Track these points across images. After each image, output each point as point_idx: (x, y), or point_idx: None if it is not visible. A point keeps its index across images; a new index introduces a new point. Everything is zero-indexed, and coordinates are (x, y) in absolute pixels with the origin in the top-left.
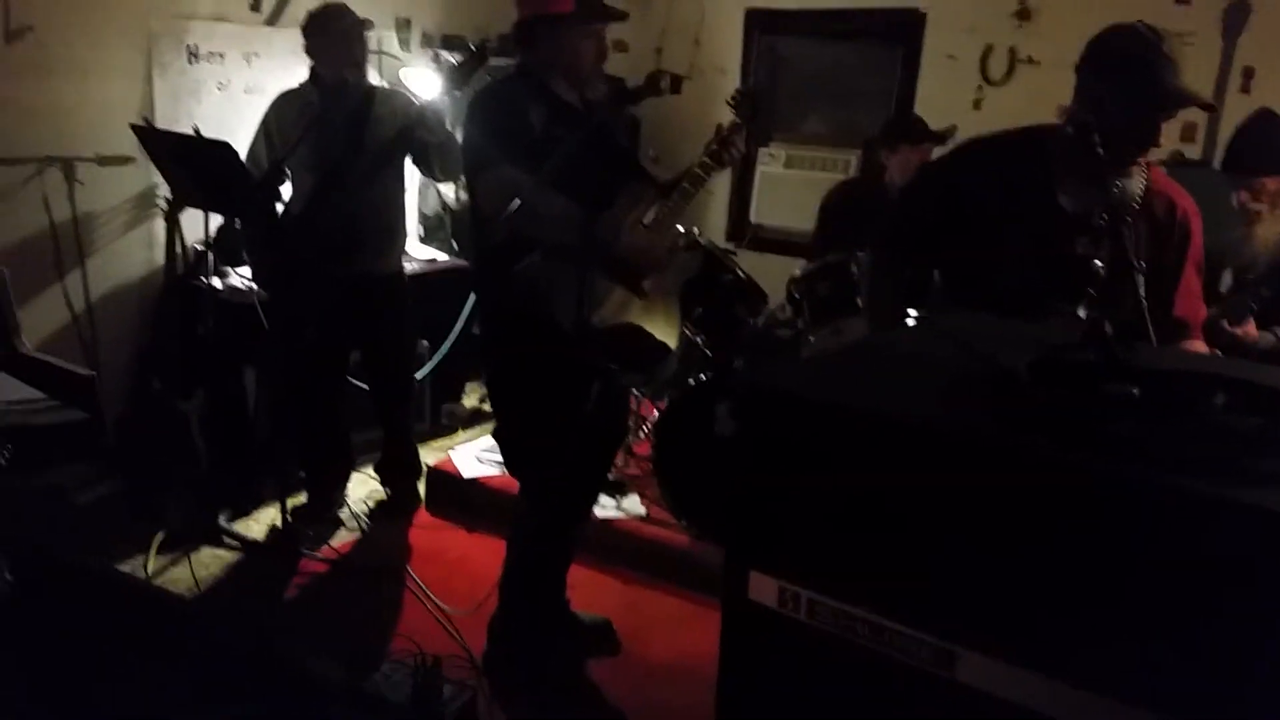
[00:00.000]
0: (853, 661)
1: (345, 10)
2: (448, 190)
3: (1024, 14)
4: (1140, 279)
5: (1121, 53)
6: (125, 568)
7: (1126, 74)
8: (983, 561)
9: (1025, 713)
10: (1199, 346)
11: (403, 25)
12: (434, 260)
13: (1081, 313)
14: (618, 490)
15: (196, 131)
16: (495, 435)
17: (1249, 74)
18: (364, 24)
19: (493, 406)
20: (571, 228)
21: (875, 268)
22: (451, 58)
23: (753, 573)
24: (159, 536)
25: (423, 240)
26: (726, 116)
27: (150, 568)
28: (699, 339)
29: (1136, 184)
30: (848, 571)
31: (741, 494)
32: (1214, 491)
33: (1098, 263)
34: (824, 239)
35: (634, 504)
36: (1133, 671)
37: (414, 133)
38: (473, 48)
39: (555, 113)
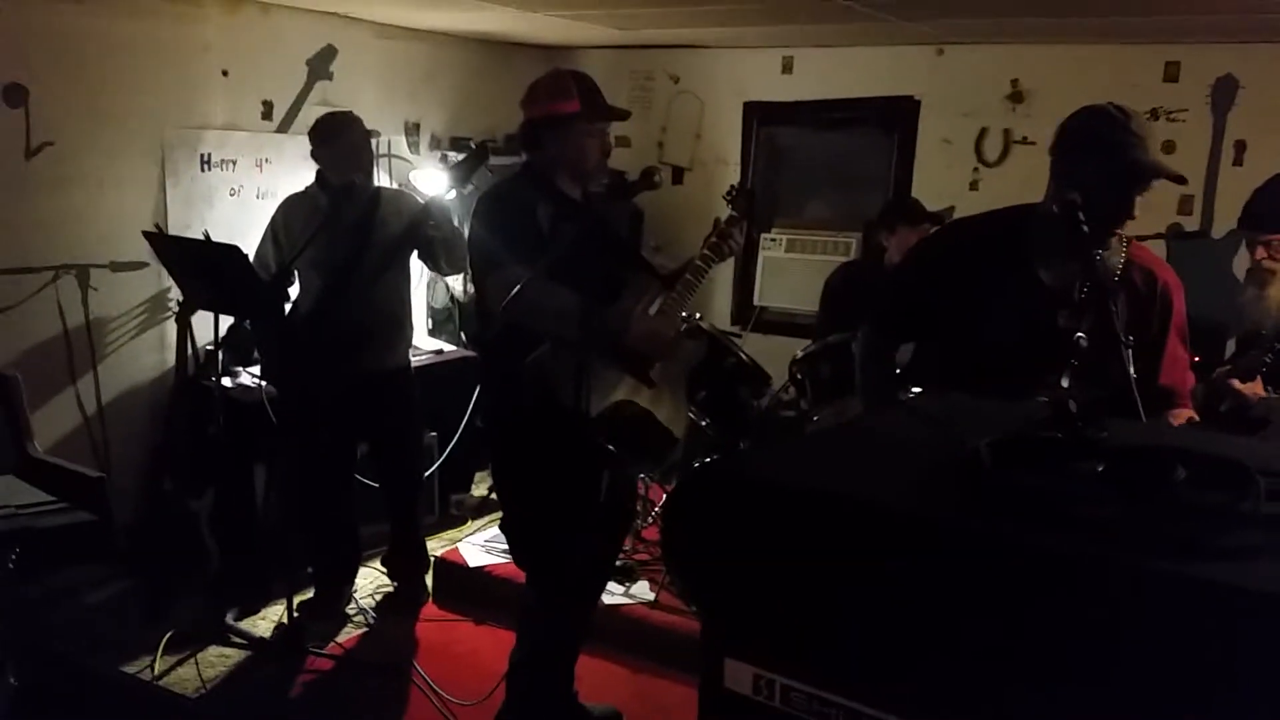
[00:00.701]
0: None
1: (352, 119)
2: (455, 283)
3: (1017, 96)
4: (1128, 352)
5: (1091, 132)
6: (132, 668)
7: (1097, 152)
8: (952, 644)
9: None
10: (1186, 414)
11: (411, 129)
12: (441, 351)
13: (1065, 384)
14: (626, 576)
15: (206, 236)
16: (502, 527)
17: (1241, 147)
18: (370, 133)
19: (500, 497)
20: (581, 322)
21: (867, 348)
22: (456, 158)
23: (728, 660)
24: (166, 636)
25: (431, 333)
26: (725, 210)
27: (157, 668)
28: (704, 422)
29: (1115, 257)
30: (820, 656)
31: (714, 580)
32: (1174, 570)
33: (1080, 335)
34: (828, 319)
35: (643, 590)
36: None
37: (420, 228)
38: (473, 146)
39: (561, 209)
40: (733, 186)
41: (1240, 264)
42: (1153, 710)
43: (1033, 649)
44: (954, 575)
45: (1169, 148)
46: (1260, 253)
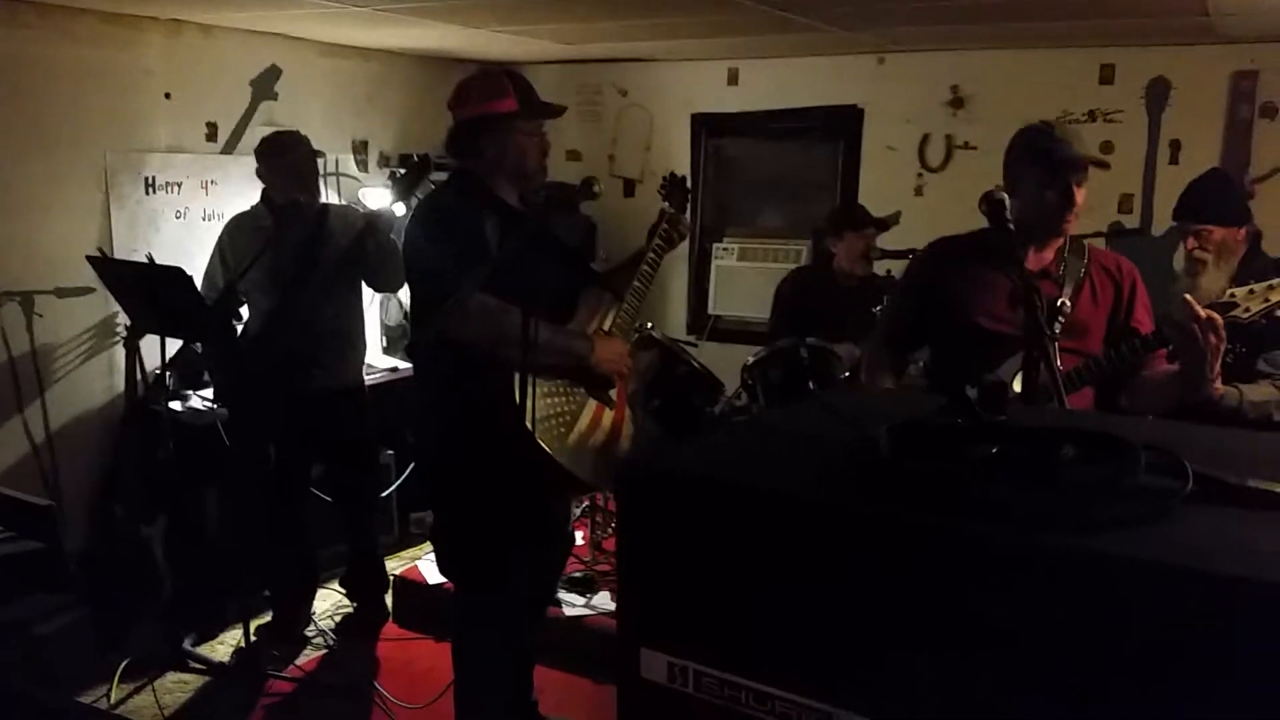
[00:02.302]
0: None
1: (297, 138)
2: (408, 300)
3: (957, 103)
4: (1054, 346)
5: (1026, 142)
6: (88, 698)
7: (1033, 158)
8: (853, 625)
9: None
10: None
11: (359, 147)
12: (396, 369)
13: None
14: (587, 587)
15: (150, 259)
16: (434, 536)
17: (1176, 146)
18: (316, 153)
19: (440, 511)
20: (545, 347)
21: (872, 360)
22: (401, 173)
23: (643, 649)
24: (122, 665)
25: (385, 350)
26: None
27: (113, 697)
28: (657, 431)
29: (1079, 253)
30: (731, 642)
31: (628, 572)
32: (1056, 542)
33: (1064, 300)
34: (779, 324)
35: (604, 600)
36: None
37: (361, 242)
38: (415, 158)
39: (506, 221)
40: (664, 179)
41: (1179, 260)
42: (1042, 677)
43: (928, 625)
44: (851, 558)
45: (1107, 148)
46: (1191, 243)
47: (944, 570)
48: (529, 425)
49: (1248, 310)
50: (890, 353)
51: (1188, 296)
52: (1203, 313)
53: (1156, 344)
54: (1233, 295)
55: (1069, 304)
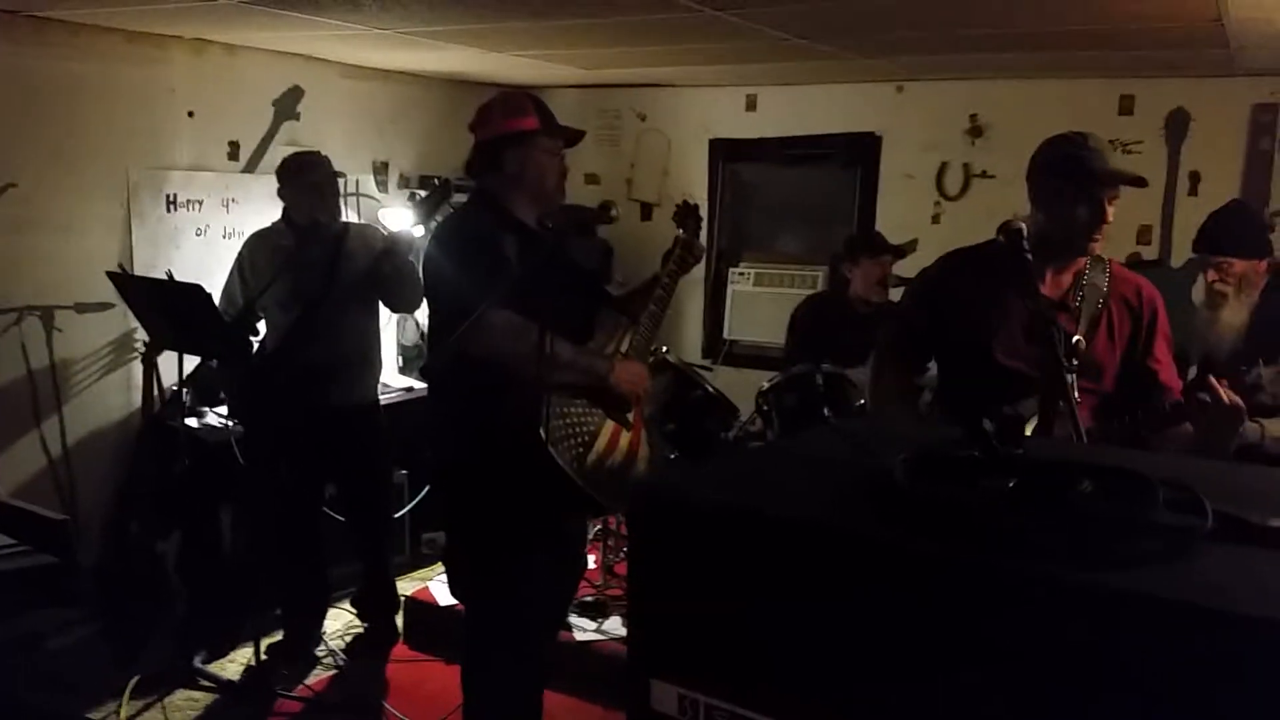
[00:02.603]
0: None
1: (318, 159)
2: (425, 320)
3: (976, 131)
4: (1070, 378)
5: (1056, 153)
6: (98, 714)
7: (1064, 169)
8: (871, 657)
9: None
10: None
11: (380, 168)
12: (411, 389)
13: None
14: (599, 612)
15: (170, 276)
16: (448, 558)
17: (1195, 178)
18: (337, 174)
19: (452, 529)
20: (566, 367)
21: (878, 378)
22: (421, 195)
23: (653, 680)
24: (133, 681)
25: (401, 370)
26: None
27: (123, 713)
28: (672, 455)
29: (1101, 277)
30: (743, 675)
31: (638, 601)
32: (1070, 576)
33: (1079, 338)
34: (794, 350)
35: (615, 625)
36: None
37: (381, 263)
38: (436, 182)
39: (524, 241)
40: (677, 206)
41: (1198, 293)
42: (1056, 713)
43: (944, 658)
44: (867, 588)
45: None
46: (1212, 275)
47: (960, 602)
48: (546, 445)
49: (1275, 397)
50: (897, 372)
51: (1213, 381)
52: (1227, 397)
53: (1175, 419)
54: (1260, 377)
55: (1084, 341)
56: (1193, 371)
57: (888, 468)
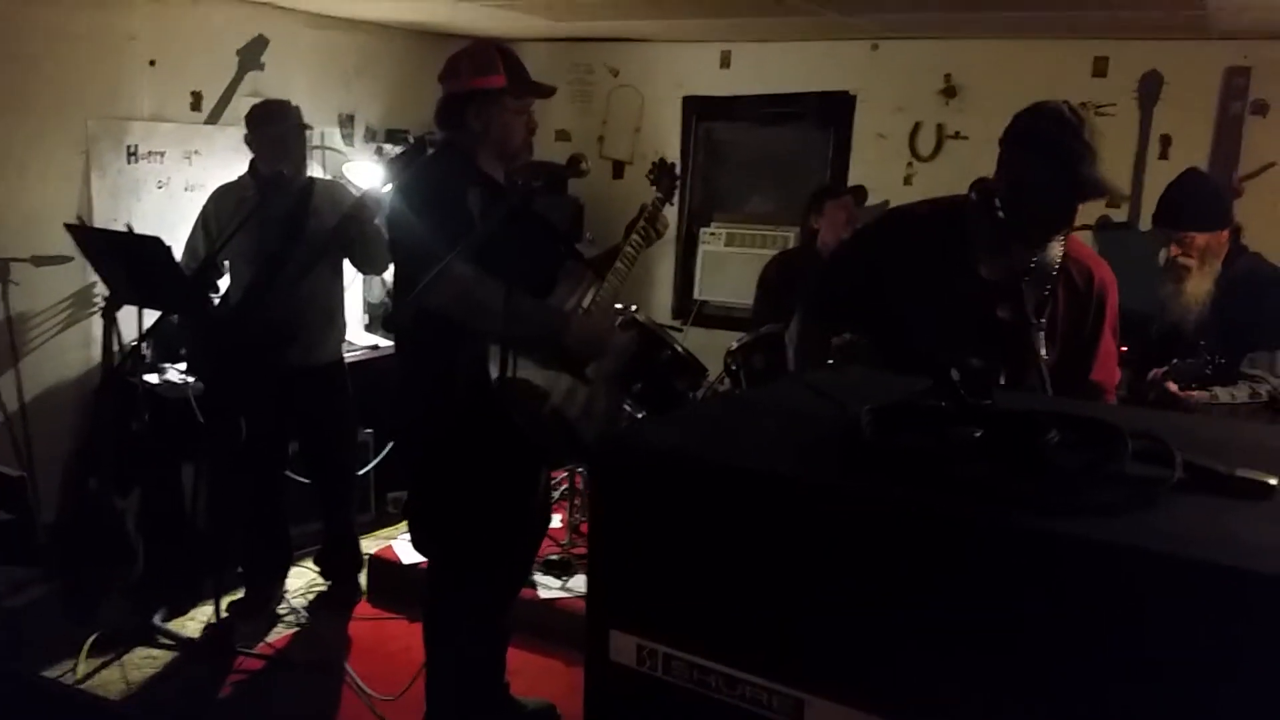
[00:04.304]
0: (709, 714)
1: (287, 109)
2: (390, 278)
3: (950, 91)
4: (1040, 336)
5: (1044, 137)
6: (54, 672)
7: (1046, 159)
8: (829, 606)
9: None
10: None
11: (346, 121)
12: (376, 347)
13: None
14: (563, 570)
15: (129, 229)
16: (409, 513)
17: (1167, 141)
18: (304, 125)
19: (416, 486)
20: (507, 318)
21: (802, 335)
22: (393, 151)
23: (613, 631)
24: (91, 639)
25: (367, 328)
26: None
27: (80, 671)
28: (640, 415)
29: (1054, 252)
30: (701, 625)
31: (599, 551)
32: (1036, 524)
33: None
34: (763, 309)
35: (579, 584)
36: (973, 708)
37: (349, 222)
38: (410, 140)
39: (488, 195)
40: (654, 164)
41: (1164, 261)
42: (1019, 661)
43: (904, 608)
44: (828, 539)
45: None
46: (1175, 249)
47: (923, 552)
48: (503, 398)
49: (1231, 398)
50: (820, 323)
51: (1171, 387)
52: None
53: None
54: (1215, 397)
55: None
56: (1155, 332)
57: (854, 418)
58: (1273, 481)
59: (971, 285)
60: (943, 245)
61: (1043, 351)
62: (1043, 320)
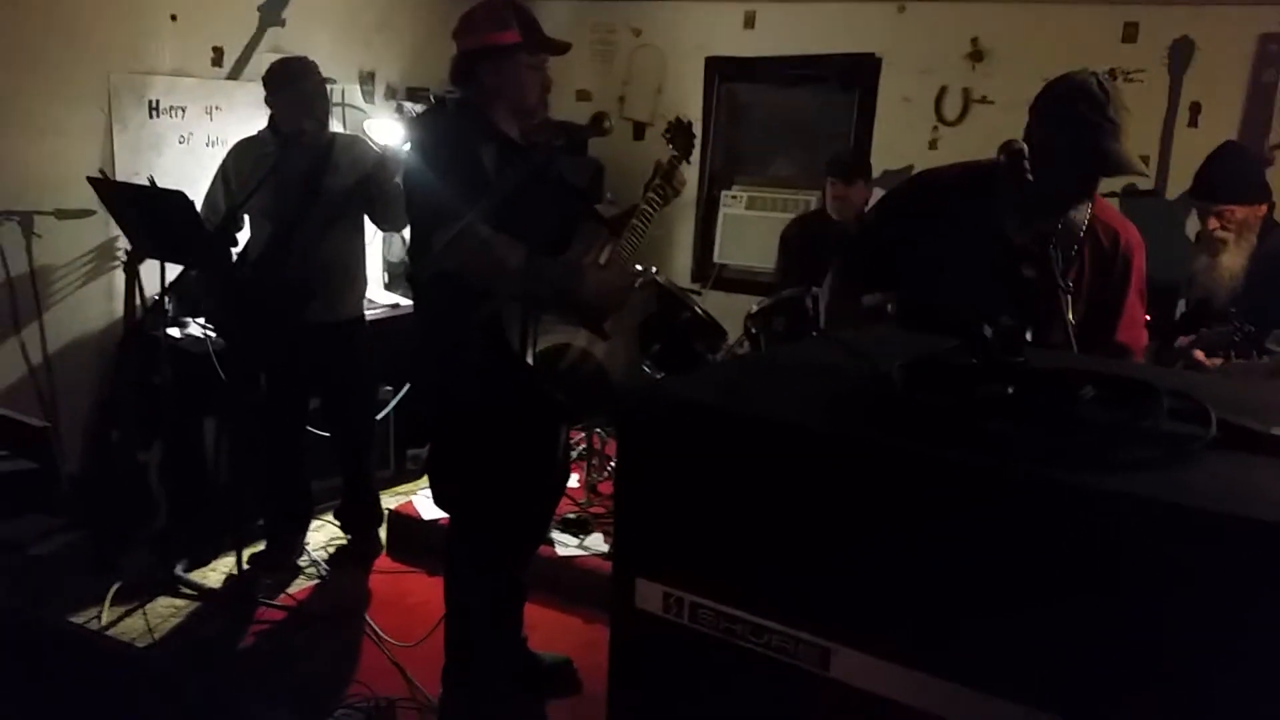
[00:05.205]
0: (734, 662)
1: (308, 66)
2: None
3: (977, 55)
4: (1067, 299)
5: (1070, 108)
6: (79, 619)
7: (1071, 131)
8: (856, 558)
9: (896, 707)
10: None
11: (366, 78)
12: (397, 305)
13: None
14: (580, 529)
15: (151, 182)
16: (430, 469)
17: (1196, 109)
18: (325, 81)
19: (436, 442)
20: (524, 274)
21: (834, 295)
22: (414, 109)
23: (639, 579)
24: (114, 588)
25: (387, 286)
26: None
27: (104, 618)
28: (659, 376)
29: (1081, 214)
30: (727, 574)
31: (626, 501)
32: (1069, 480)
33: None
34: (785, 271)
35: (597, 542)
36: (997, 660)
37: (369, 180)
38: (432, 99)
39: (504, 152)
40: (670, 123)
41: (1192, 226)
42: (1050, 616)
43: (933, 561)
44: (857, 492)
45: None
46: (1213, 223)
47: (953, 506)
48: (521, 353)
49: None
50: (850, 285)
51: (1198, 355)
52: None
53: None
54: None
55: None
56: (1181, 306)
57: (884, 374)
58: None
59: (999, 247)
60: (971, 207)
61: (1069, 314)
62: (1070, 282)
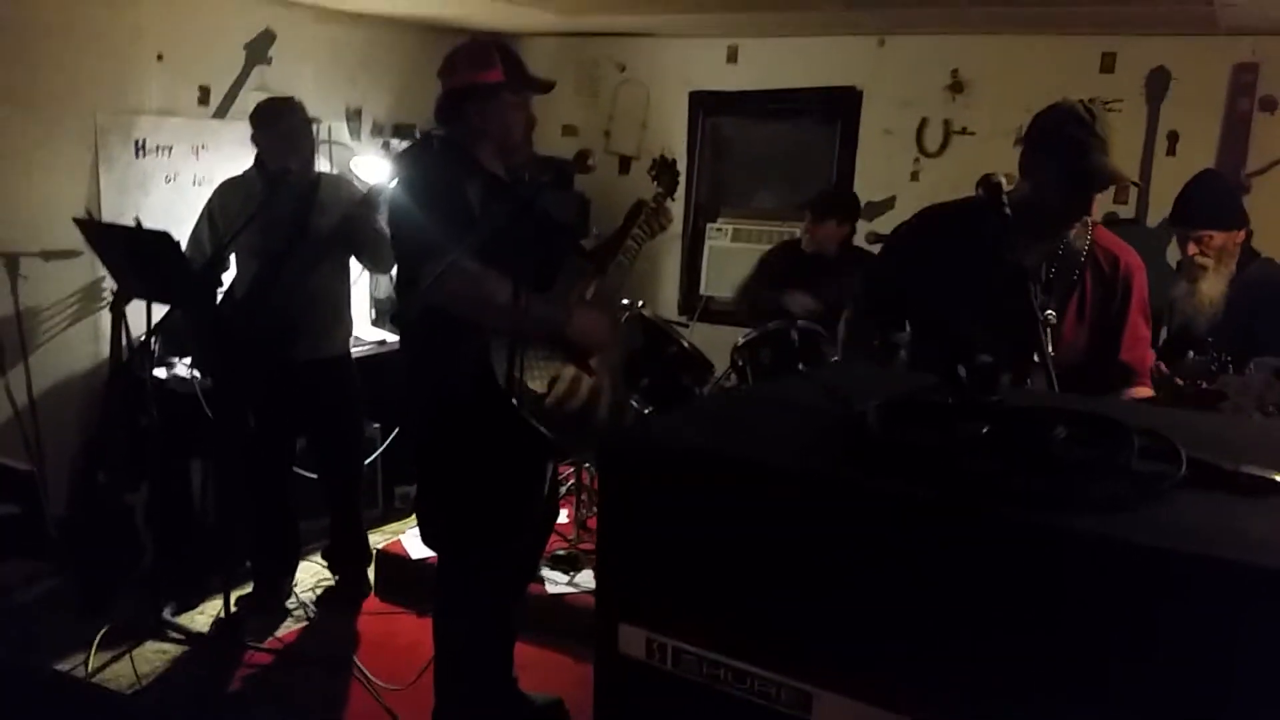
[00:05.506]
0: (719, 707)
1: (293, 105)
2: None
3: (957, 87)
4: (1046, 331)
5: (1057, 132)
6: (65, 665)
7: (1061, 153)
8: (838, 599)
9: None
10: (1144, 391)
11: (353, 115)
12: (384, 342)
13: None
14: (570, 565)
15: (138, 223)
16: (419, 507)
17: (1174, 138)
18: (310, 120)
19: (423, 479)
20: (512, 312)
21: (850, 333)
22: (400, 146)
23: (622, 625)
24: (101, 632)
25: (374, 323)
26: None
27: (91, 665)
28: (647, 410)
29: (1081, 241)
30: (709, 619)
31: (608, 544)
32: (1040, 519)
33: (1050, 312)
34: (749, 289)
35: (587, 578)
36: (978, 700)
37: (354, 219)
38: (418, 135)
39: (489, 188)
40: (655, 160)
41: (1173, 254)
42: (1028, 656)
43: (913, 603)
44: (837, 534)
45: None
46: (1192, 248)
47: (931, 547)
48: (506, 390)
49: (1238, 406)
50: (867, 329)
51: (1179, 382)
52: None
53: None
54: (1227, 385)
55: (1054, 316)
56: (1163, 334)
57: (861, 413)
58: (1278, 478)
59: (986, 278)
60: (973, 237)
61: (1049, 347)
62: (1050, 314)
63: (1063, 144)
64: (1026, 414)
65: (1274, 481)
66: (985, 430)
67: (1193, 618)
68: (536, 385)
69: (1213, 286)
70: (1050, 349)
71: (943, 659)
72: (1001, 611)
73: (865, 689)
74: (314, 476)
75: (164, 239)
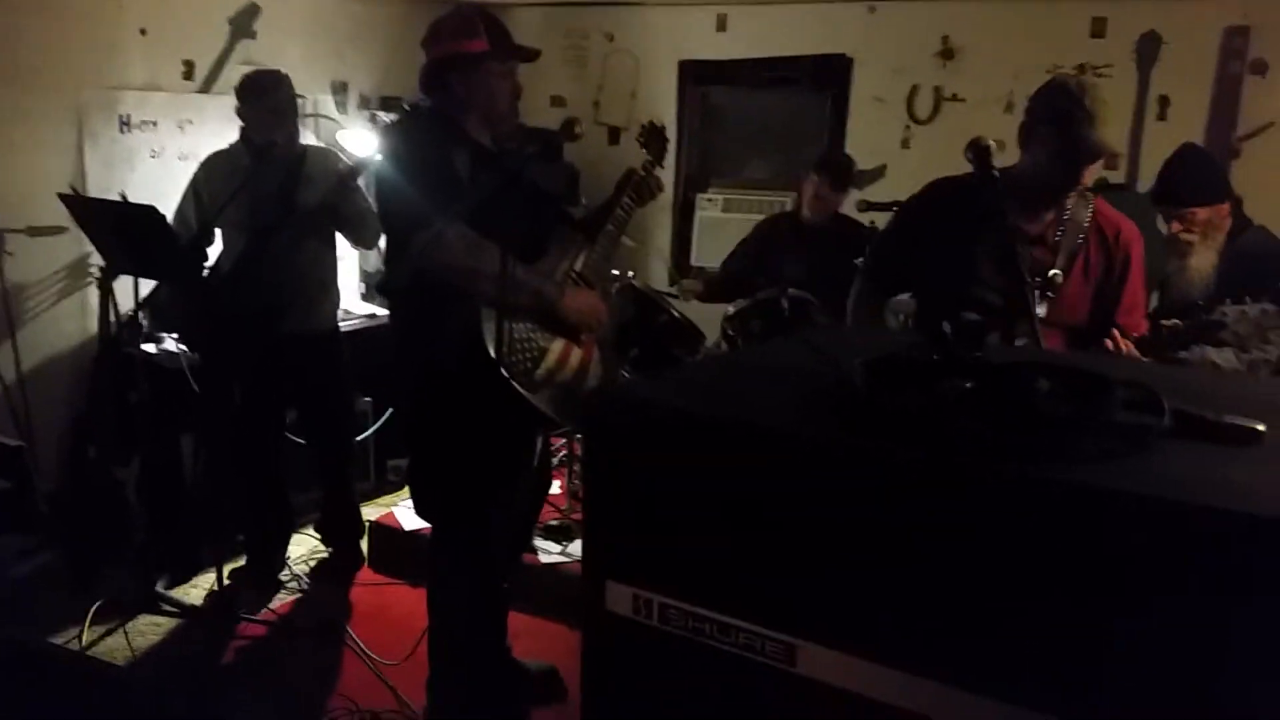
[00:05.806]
0: (704, 661)
1: (279, 78)
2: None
3: (947, 54)
4: (1034, 294)
5: (1049, 109)
6: (59, 639)
7: (1053, 128)
8: (822, 555)
9: (861, 701)
10: (1126, 345)
11: (339, 88)
12: (374, 315)
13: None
14: (563, 535)
15: (123, 198)
16: (411, 478)
17: (1165, 103)
18: (296, 96)
19: (414, 450)
20: (500, 283)
21: (858, 300)
22: (388, 119)
23: (609, 582)
24: (94, 607)
25: (364, 297)
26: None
27: (85, 639)
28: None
29: (1083, 211)
30: (694, 574)
31: (593, 504)
32: (1026, 472)
33: (1056, 271)
34: (740, 256)
35: (579, 549)
36: (962, 653)
37: (334, 196)
38: (406, 108)
39: (476, 159)
40: (643, 127)
41: (1164, 232)
42: (1014, 609)
43: (896, 558)
44: (821, 490)
45: None
46: (1176, 226)
47: (916, 503)
48: (496, 360)
49: (1238, 336)
50: (875, 291)
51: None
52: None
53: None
54: (1225, 315)
55: (1061, 275)
56: (1153, 300)
57: (846, 373)
58: (1261, 427)
59: (991, 246)
60: (982, 205)
61: (1038, 309)
62: (1037, 279)
63: (1054, 121)
64: (1009, 369)
65: (1256, 431)
66: (969, 386)
67: (1183, 566)
68: (526, 356)
69: (1202, 260)
70: (1046, 310)
71: (928, 612)
72: (988, 564)
73: (849, 641)
74: (305, 443)
75: (150, 214)
